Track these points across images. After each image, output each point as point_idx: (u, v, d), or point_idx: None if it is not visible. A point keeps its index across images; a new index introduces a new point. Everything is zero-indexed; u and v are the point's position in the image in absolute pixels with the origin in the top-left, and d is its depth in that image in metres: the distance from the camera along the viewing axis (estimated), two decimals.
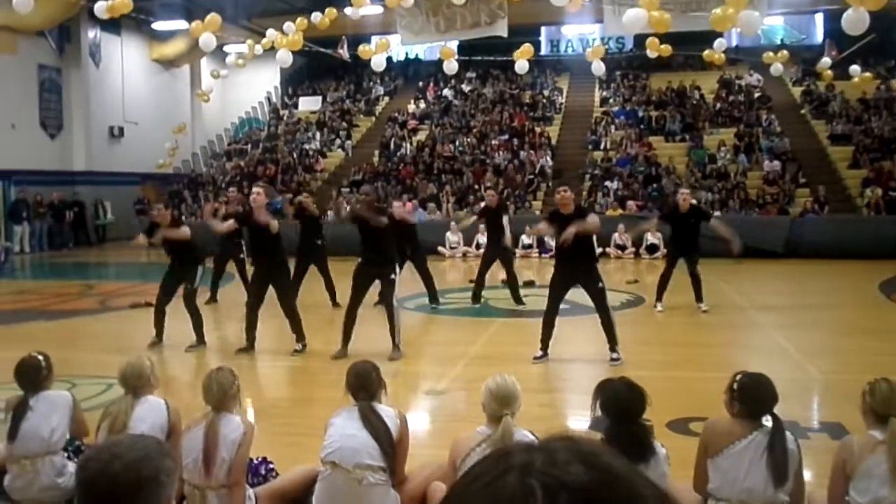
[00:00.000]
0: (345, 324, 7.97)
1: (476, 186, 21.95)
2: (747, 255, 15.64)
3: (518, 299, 10.86)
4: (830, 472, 3.61)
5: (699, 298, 10.33)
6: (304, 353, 8.13)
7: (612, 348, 7.47)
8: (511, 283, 10.98)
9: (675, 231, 10.50)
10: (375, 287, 8.14)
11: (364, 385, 4.00)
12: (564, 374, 7.51)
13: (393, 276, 7.93)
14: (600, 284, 7.53)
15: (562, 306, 10.40)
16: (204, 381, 4.04)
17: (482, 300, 11.20)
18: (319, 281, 11.00)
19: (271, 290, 8.25)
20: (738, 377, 3.69)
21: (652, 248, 17.28)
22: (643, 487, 0.81)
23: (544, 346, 7.66)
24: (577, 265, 7.51)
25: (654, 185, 20.80)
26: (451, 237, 18.24)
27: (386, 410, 4.00)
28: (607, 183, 21.15)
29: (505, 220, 10.98)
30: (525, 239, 17.35)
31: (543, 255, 17.09)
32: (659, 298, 10.38)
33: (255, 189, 8.30)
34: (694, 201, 10.52)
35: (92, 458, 1.73)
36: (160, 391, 4.49)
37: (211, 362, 7.53)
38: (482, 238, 17.95)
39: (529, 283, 12.15)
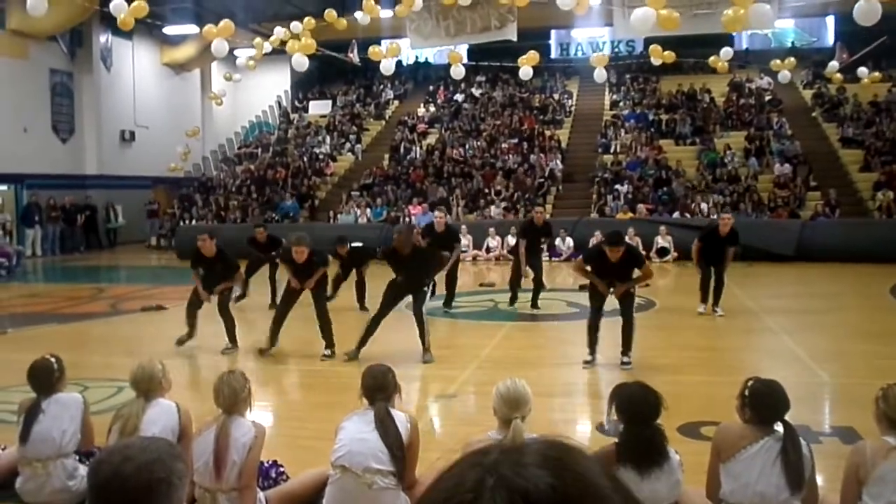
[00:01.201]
0: (367, 329, 7.92)
1: (486, 190, 21.95)
2: (758, 259, 15.66)
3: (535, 303, 10.96)
4: (843, 476, 3.58)
5: (716, 303, 10.34)
6: (332, 358, 8.01)
7: (626, 352, 7.45)
8: (536, 287, 11.08)
9: (708, 249, 10.35)
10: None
11: (381, 386, 4.00)
12: (575, 377, 7.46)
13: (426, 288, 7.97)
14: (632, 290, 7.52)
15: (572, 310, 10.31)
16: (215, 384, 4.05)
17: (495, 303, 11.36)
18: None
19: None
20: (750, 383, 3.67)
21: (662, 252, 17.22)
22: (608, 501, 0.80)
23: (592, 351, 7.56)
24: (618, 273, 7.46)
25: (665, 189, 20.78)
26: (461, 240, 18.22)
27: (398, 415, 3.99)
28: (617, 186, 21.12)
29: (556, 241, 11.25)
30: None
31: (554, 259, 17.05)
32: (703, 300, 10.36)
33: (296, 249, 8.03)
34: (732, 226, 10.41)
35: (104, 461, 1.74)
36: (171, 394, 4.49)
37: (223, 365, 7.54)
38: (492, 242, 18.04)
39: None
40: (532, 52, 17.13)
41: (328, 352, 8.06)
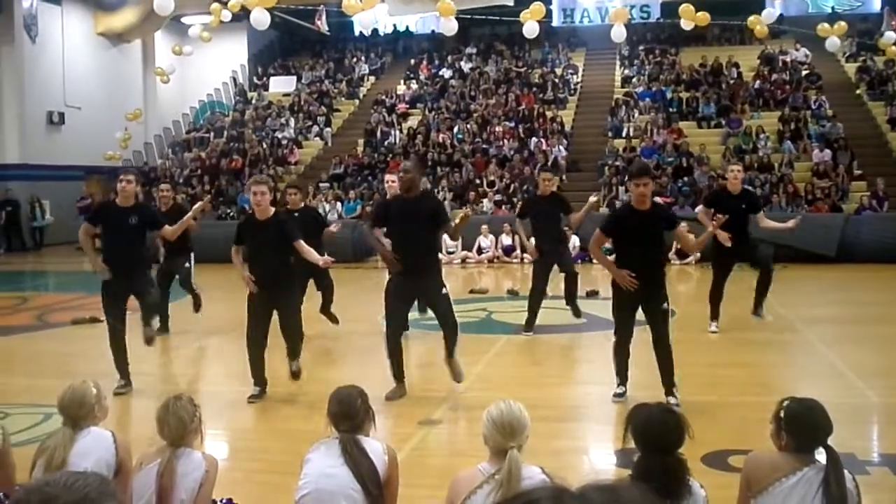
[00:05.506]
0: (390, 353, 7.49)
1: (477, 181, 21.96)
2: (794, 260, 15.71)
3: (576, 309, 10.66)
4: None
5: (759, 304, 10.21)
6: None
7: (669, 390, 6.84)
8: (568, 285, 10.62)
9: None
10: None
11: (348, 413, 3.96)
12: (582, 399, 7.44)
13: (444, 289, 7.39)
14: (665, 305, 7.03)
15: (580, 321, 10.39)
16: (158, 412, 4.00)
17: (488, 313, 11.49)
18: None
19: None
20: (786, 404, 3.68)
21: (682, 253, 17.25)
22: None
23: (623, 380, 7.22)
24: (645, 278, 6.88)
25: (685, 179, 20.86)
26: (449, 241, 18.22)
27: (372, 445, 3.96)
28: None
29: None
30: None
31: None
32: (714, 316, 10.18)
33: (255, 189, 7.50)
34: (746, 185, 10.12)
35: (21, 502, 1.70)
36: (108, 422, 4.43)
37: (170, 389, 7.49)
38: (484, 241, 18.04)
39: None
40: (537, 3, 16.78)
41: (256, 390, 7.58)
